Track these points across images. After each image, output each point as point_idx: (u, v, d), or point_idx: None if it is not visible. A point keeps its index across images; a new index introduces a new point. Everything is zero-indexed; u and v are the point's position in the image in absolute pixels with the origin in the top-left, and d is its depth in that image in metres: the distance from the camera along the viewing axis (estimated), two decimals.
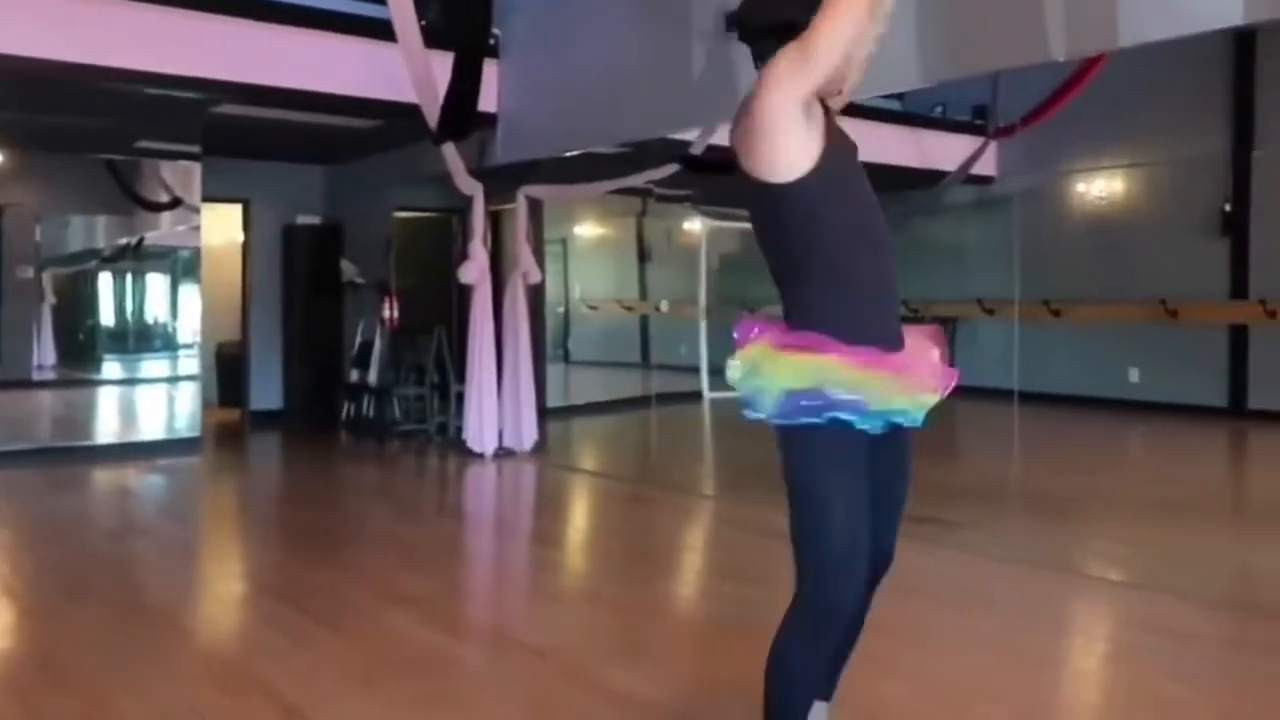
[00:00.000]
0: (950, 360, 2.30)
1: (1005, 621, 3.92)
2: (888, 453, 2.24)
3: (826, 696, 2.47)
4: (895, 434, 2.21)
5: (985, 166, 9.88)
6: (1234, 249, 9.04)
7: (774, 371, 2.13)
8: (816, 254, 2.14)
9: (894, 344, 2.20)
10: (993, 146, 9.68)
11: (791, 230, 2.14)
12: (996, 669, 3.19)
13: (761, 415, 2.17)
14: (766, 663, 2.24)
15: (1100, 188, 9.97)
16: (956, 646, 3.65)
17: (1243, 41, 8.88)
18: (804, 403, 2.09)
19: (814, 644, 2.22)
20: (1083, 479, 6.87)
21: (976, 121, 9.88)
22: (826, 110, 2.22)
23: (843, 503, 2.13)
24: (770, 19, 2.16)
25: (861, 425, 2.11)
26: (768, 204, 2.16)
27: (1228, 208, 9.01)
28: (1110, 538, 5.44)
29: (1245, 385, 9.02)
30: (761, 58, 2.16)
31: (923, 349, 2.25)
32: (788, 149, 2.08)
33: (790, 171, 2.09)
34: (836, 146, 2.16)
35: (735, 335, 2.22)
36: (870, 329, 2.15)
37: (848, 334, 2.12)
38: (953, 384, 2.26)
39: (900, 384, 2.15)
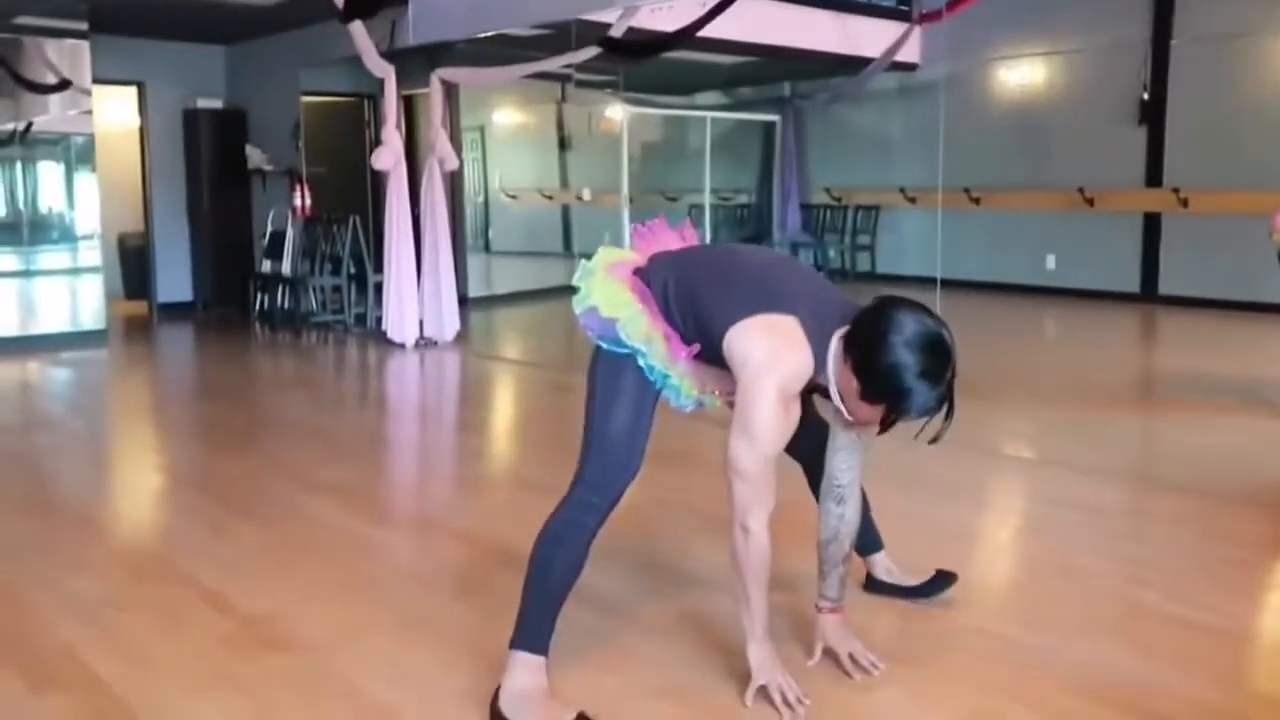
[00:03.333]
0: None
1: (927, 500, 3.99)
2: None
3: (879, 547, 2.97)
4: None
5: (909, 53, 9.77)
6: (1151, 138, 9.14)
7: None
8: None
9: None
10: (917, 33, 9.57)
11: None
12: (919, 544, 3.25)
13: None
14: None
15: (1022, 75, 9.97)
16: (880, 525, 3.71)
17: None
18: None
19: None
20: (1000, 364, 6.99)
21: (901, 7, 9.74)
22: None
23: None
24: None
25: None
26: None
27: (1146, 96, 9.08)
28: (1025, 418, 5.56)
29: (1157, 271, 9.23)
30: None
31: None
32: None
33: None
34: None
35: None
36: None
37: None
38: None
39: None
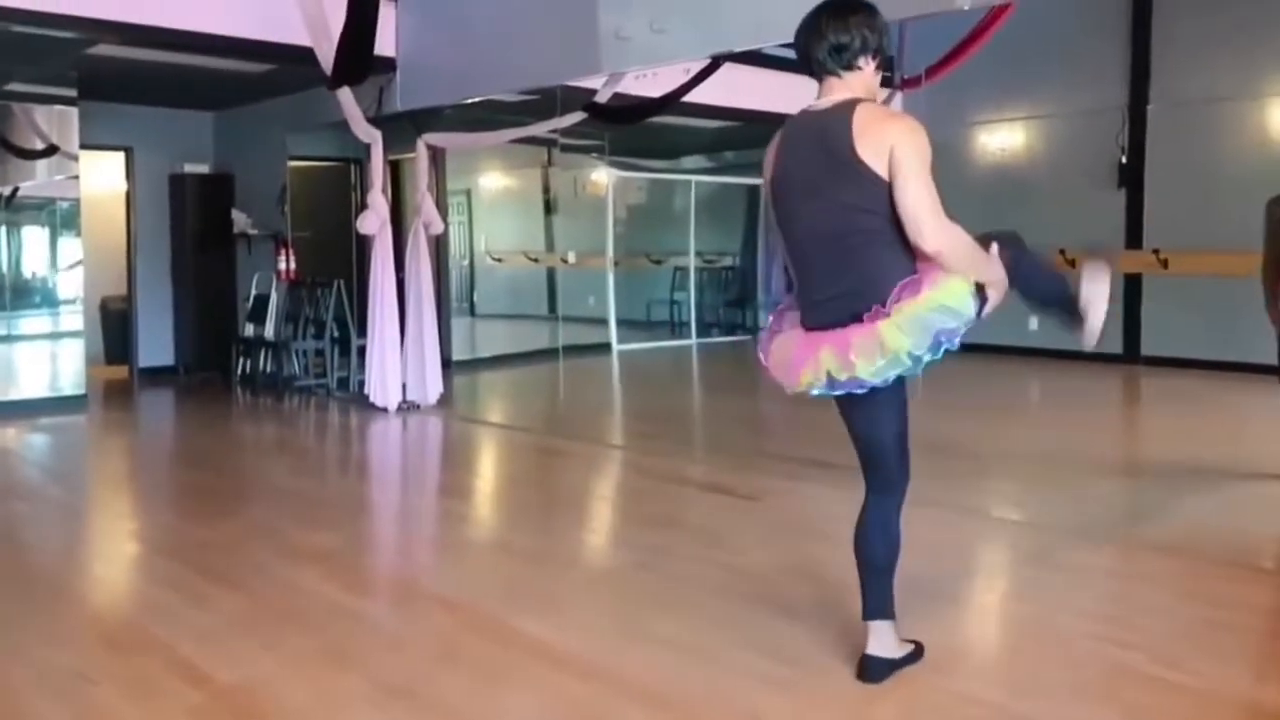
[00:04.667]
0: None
1: (913, 561, 3.94)
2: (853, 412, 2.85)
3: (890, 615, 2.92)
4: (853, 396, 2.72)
5: None
6: (1130, 200, 9.27)
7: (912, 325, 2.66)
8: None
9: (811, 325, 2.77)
10: (899, 97, 9.72)
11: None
12: (905, 607, 3.22)
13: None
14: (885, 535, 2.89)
15: (1003, 139, 10.12)
16: None
17: None
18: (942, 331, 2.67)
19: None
20: (985, 425, 7.01)
21: (884, 74, 9.89)
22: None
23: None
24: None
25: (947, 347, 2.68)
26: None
27: (1124, 160, 9.22)
28: (1010, 480, 5.55)
29: (1139, 332, 9.29)
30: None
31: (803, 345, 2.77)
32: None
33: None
34: (780, 181, 2.78)
35: None
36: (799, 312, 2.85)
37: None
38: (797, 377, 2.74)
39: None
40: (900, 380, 2.69)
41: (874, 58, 2.70)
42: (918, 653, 2.92)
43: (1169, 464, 5.73)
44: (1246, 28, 8.51)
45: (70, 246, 8.78)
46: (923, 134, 2.55)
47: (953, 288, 2.60)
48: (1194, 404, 7.76)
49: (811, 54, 2.68)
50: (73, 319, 8.75)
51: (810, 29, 2.67)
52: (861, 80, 2.69)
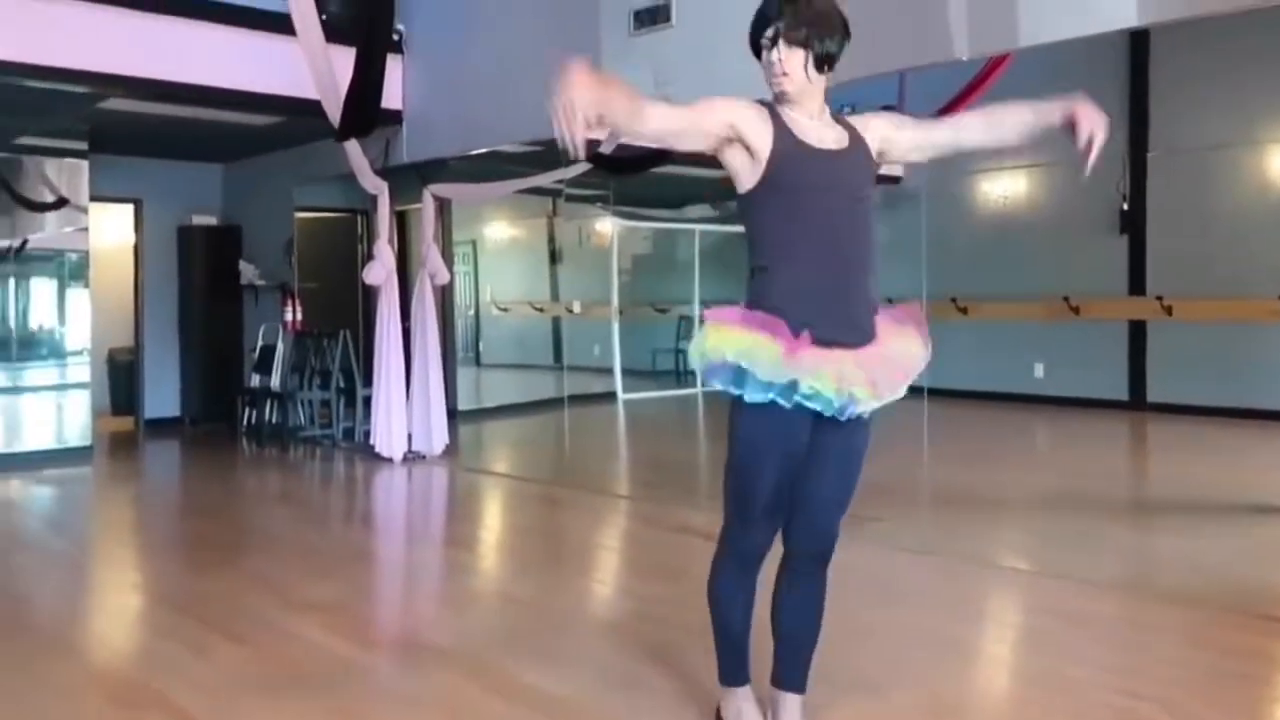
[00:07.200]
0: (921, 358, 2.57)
1: (921, 611, 3.92)
2: (834, 436, 2.49)
3: (800, 689, 2.66)
4: (842, 423, 2.46)
5: (893, 166, 9.99)
6: (1132, 246, 9.29)
7: (699, 342, 2.46)
8: (756, 255, 2.51)
9: (833, 335, 2.41)
10: None
11: (745, 229, 2.56)
12: (912, 658, 3.19)
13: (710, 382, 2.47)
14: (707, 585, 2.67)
15: (1004, 187, 10.18)
16: (874, 636, 3.64)
17: (1138, 45, 9.14)
18: (715, 364, 2.41)
19: (733, 573, 2.61)
20: (991, 472, 6.98)
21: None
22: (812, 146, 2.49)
23: (767, 472, 2.47)
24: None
25: (753, 397, 2.38)
26: (738, 203, 2.56)
27: (1125, 206, 9.26)
28: (1017, 528, 5.52)
29: (1144, 379, 9.27)
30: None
31: (878, 351, 2.48)
32: (734, 173, 2.53)
33: (739, 187, 2.53)
34: (797, 167, 2.46)
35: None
36: (799, 317, 2.39)
37: (769, 312, 2.41)
38: (890, 386, 2.49)
39: (810, 365, 2.36)
40: (738, 400, 2.45)
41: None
42: None
43: (1178, 511, 5.69)
44: (1244, 75, 8.58)
45: (78, 298, 8.82)
46: None
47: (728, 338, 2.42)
48: (1202, 450, 7.72)
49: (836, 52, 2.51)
50: (80, 370, 8.77)
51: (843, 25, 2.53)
52: None
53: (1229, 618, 3.77)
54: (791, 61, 2.46)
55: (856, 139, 2.56)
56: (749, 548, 2.57)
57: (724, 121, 2.43)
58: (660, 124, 2.38)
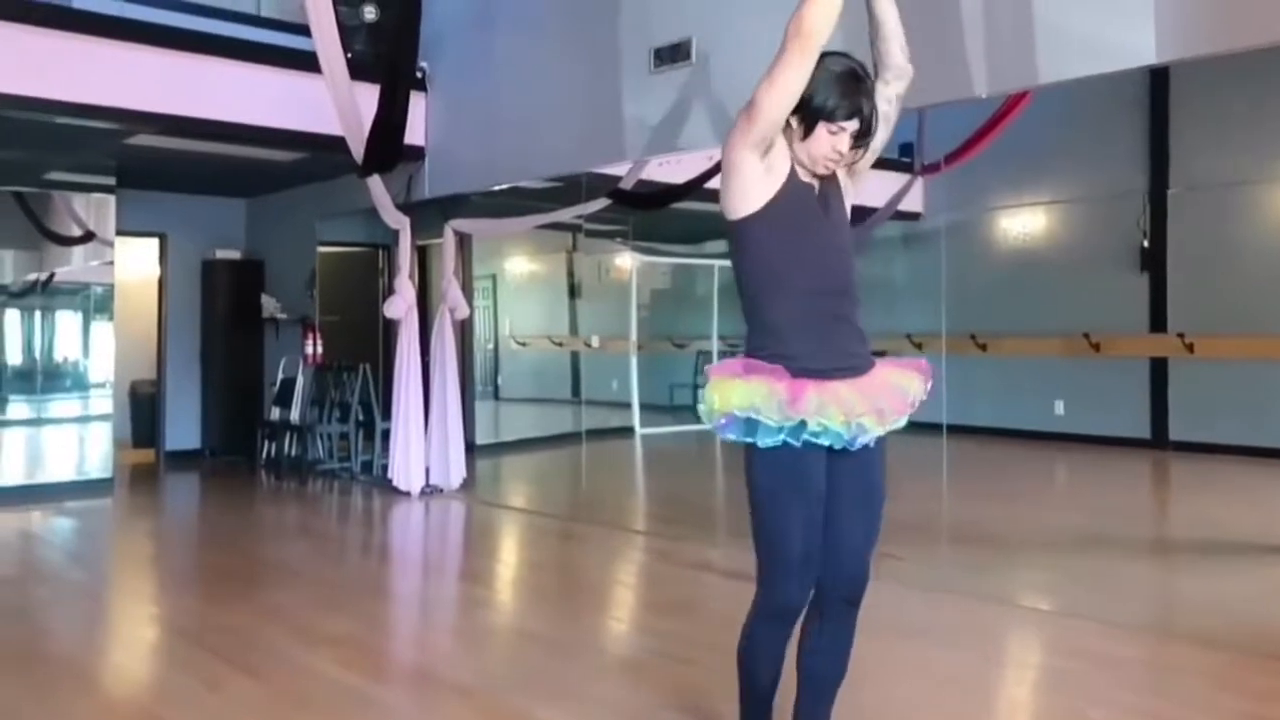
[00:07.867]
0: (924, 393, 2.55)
1: (940, 651, 3.88)
2: (851, 473, 2.48)
3: None
4: (855, 455, 2.43)
5: (912, 203, 9.99)
6: (1153, 284, 9.24)
7: (705, 400, 2.45)
8: (752, 286, 2.49)
9: (833, 364, 2.43)
10: (919, 183, 9.81)
11: (738, 262, 2.50)
12: (932, 698, 3.15)
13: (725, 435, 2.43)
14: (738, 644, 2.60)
15: (1023, 224, 10.16)
16: (893, 676, 3.60)
17: (1157, 82, 9.14)
18: (723, 422, 2.40)
19: (768, 631, 2.53)
20: (1011, 510, 6.92)
21: (903, 159, 10.00)
22: (818, 176, 2.54)
23: (793, 518, 2.42)
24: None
25: (765, 442, 2.36)
26: (729, 236, 2.51)
27: (1146, 244, 9.22)
28: (1038, 567, 5.46)
29: (1166, 417, 9.19)
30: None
31: (879, 379, 2.48)
32: (741, 190, 2.43)
33: (737, 211, 2.45)
34: (800, 198, 2.48)
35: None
36: (796, 358, 2.41)
37: (765, 358, 2.43)
38: (895, 411, 2.48)
39: (815, 404, 2.35)
40: (752, 449, 2.43)
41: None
42: None
43: (1202, 551, 5.62)
44: (1264, 112, 8.56)
45: (102, 331, 8.91)
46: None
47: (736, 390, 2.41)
48: (1225, 489, 7.63)
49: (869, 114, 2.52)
50: (102, 402, 8.84)
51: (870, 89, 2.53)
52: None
53: (1253, 661, 3.71)
54: (846, 148, 2.50)
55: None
56: (786, 603, 2.49)
57: (785, 119, 2.41)
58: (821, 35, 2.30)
